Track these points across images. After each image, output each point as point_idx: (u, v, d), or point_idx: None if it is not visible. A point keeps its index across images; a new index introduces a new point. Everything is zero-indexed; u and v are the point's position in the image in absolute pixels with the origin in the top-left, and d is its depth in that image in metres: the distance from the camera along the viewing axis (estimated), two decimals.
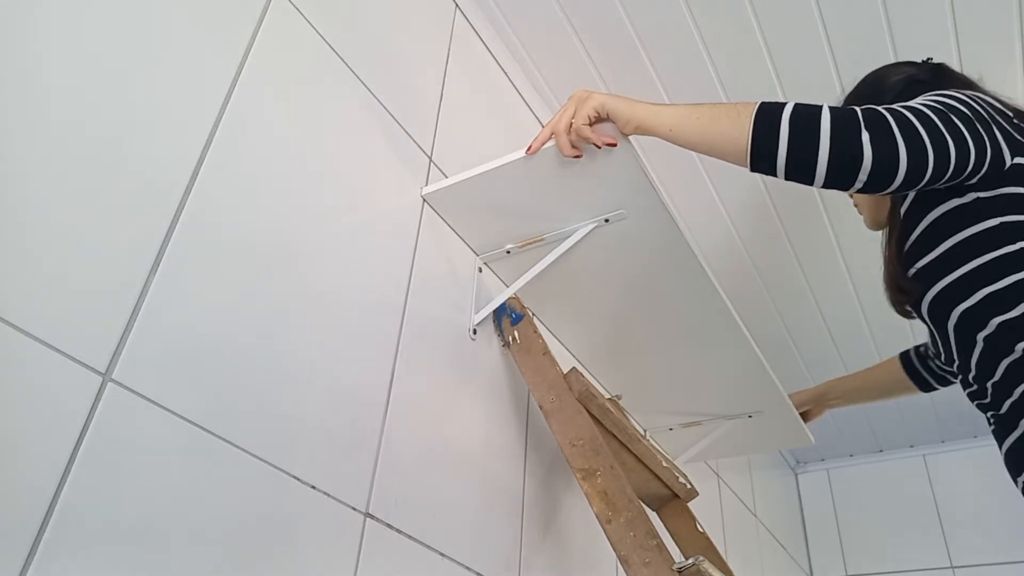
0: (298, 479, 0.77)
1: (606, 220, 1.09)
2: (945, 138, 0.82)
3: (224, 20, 0.84)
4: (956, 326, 0.90)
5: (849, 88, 1.13)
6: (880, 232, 1.10)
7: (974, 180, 0.87)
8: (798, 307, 2.12)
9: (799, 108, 0.83)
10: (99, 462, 0.60)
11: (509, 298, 1.19)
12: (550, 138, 0.97)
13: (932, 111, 0.84)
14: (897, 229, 0.97)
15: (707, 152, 0.90)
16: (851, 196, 1.16)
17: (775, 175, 0.85)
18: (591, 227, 1.10)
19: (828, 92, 1.50)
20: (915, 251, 0.93)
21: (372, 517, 0.85)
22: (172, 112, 0.74)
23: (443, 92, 1.25)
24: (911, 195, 0.94)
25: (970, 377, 0.91)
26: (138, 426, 0.64)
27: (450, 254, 1.15)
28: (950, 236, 0.89)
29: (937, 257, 0.90)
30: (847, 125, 0.81)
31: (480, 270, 1.21)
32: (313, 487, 0.78)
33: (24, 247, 0.59)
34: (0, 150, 0.60)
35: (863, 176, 0.80)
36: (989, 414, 0.91)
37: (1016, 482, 0.86)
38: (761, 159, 0.85)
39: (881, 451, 2.75)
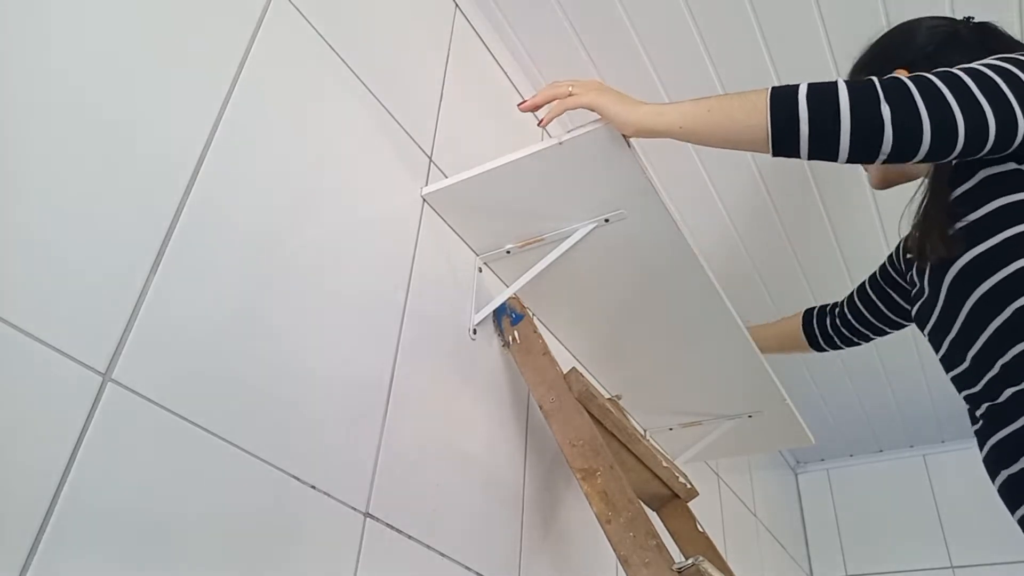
0: (298, 479, 0.77)
1: (606, 220, 1.09)
2: (981, 106, 0.78)
3: (224, 20, 0.84)
4: (976, 302, 0.86)
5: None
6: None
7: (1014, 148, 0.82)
8: (798, 307, 2.11)
9: (814, 87, 0.82)
10: (99, 462, 0.60)
11: (509, 298, 1.19)
12: (545, 102, 0.99)
13: (971, 75, 0.80)
14: (947, 176, 0.92)
15: (722, 145, 0.89)
16: None
17: (799, 156, 0.84)
18: (591, 227, 1.10)
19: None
20: (963, 205, 0.88)
21: (372, 517, 0.85)
22: (172, 112, 0.74)
23: (443, 92, 1.25)
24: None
25: (968, 357, 0.88)
26: (138, 426, 0.64)
27: (450, 254, 1.15)
28: (998, 197, 0.85)
29: (982, 217, 0.85)
30: (866, 97, 0.79)
31: (480, 270, 1.21)
32: (313, 487, 0.78)
33: (24, 247, 0.59)
34: (1, 151, 0.60)
35: (886, 147, 0.79)
36: (984, 406, 0.87)
37: (1012, 513, 0.83)
38: (784, 143, 0.83)
39: (881, 451, 2.75)
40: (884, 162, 0.81)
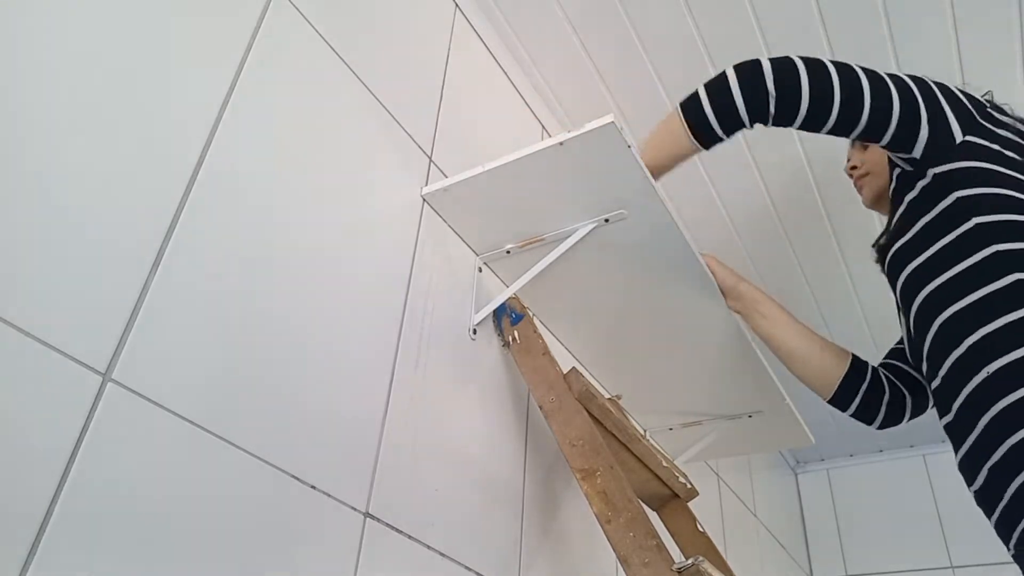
0: (298, 479, 0.77)
1: (606, 220, 1.09)
2: (860, 83, 0.94)
3: (224, 20, 0.84)
4: (917, 312, 0.93)
5: None
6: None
7: (918, 151, 0.95)
8: (798, 307, 2.10)
9: (708, 81, 1.02)
10: (99, 462, 0.60)
11: (509, 298, 1.19)
12: None
13: (862, 69, 0.97)
14: (889, 207, 1.04)
15: (670, 160, 1.08)
16: (851, 173, 1.16)
17: (716, 134, 1.02)
18: (591, 227, 1.10)
19: None
20: (896, 231, 0.99)
21: (372, 517, 0.85)
22: (171, 113, 0.74)
23: (443, 92, 1.25)
24: (895, 179, 1.02)
25: (923, 368, 0.95)
26: (138, 426, 0.64)
27: (450, 254, 1.15)
28: (920, 218, 0.94)
29: (909, 240, 0.95)
30: (751, 66, 0.98)
31: (480, 270, 1.21)
32: (313, 487, 0.78)
33: (24, 247, 0.59)
34: (1, 151, 0.60)
35: (772, 104, 0.96)
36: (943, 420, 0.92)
37: (1008, 546, 0.84)
38: (699, 128, 1.01)
39: (881, 451, 2.75)
40: (776, 125, 0.98)
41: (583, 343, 1.41)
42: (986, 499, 0.83)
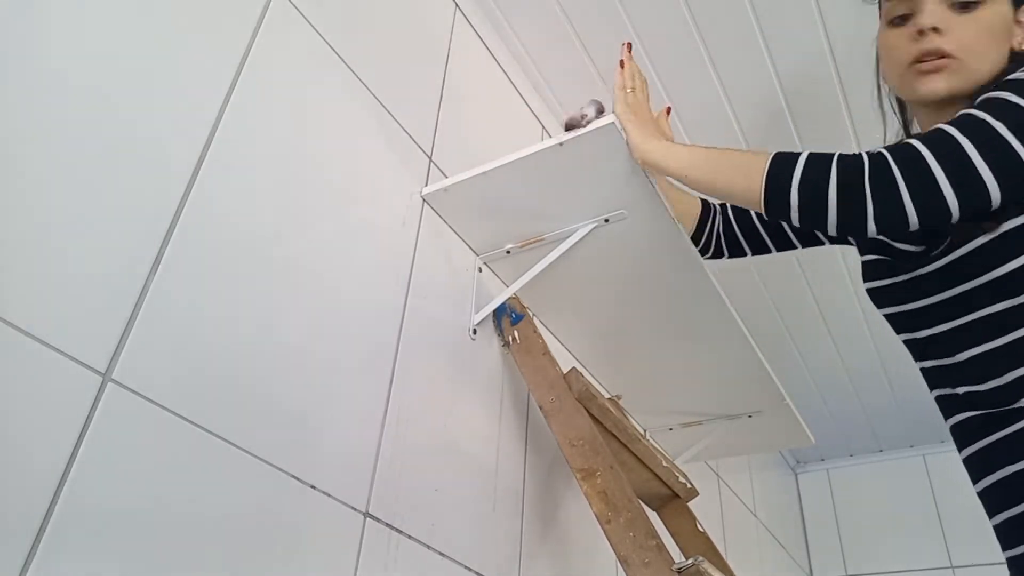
0: (298, 479, 0.77)
1: (606, 220, 1.09)
2: (977, 172, 0.73)
3: (224, 20, 0.84)
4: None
5: None
6: None
7: None
8: (798, 307, 2.12)
9: (811, 159, 0.81)
10: (99, 462, 0.60)
11: (509, 298, 1.19)
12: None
13: (970, 132, 0.75)
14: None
15: (720, 198, 0.97)
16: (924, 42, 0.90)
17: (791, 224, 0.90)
18: (591, 227, 1.10)
19: (828, 92, 1.50)
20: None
21: (372, 517, 0.85)
22: (172, 112, 0.74)
23: (443, 92, 1.25)
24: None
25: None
26: (138, 426, 0.64)
27: (450, 254, 1.15)
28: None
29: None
30: (853, 178, 0.77)
31: (480, 270, 1.21)
32: (313, 487, 0.78)
33: (24, 247, 0.59)
34: (1, 151, 0.60)
35: (872, 227, 0.77)
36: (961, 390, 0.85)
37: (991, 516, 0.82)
38: (775, 212, 0.84)
39: (881, 451, 2.75)
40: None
41: (583, 343, 1.41)
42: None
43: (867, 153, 0.79)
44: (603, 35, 1.48)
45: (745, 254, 1.21)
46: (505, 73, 1.51)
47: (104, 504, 0.60)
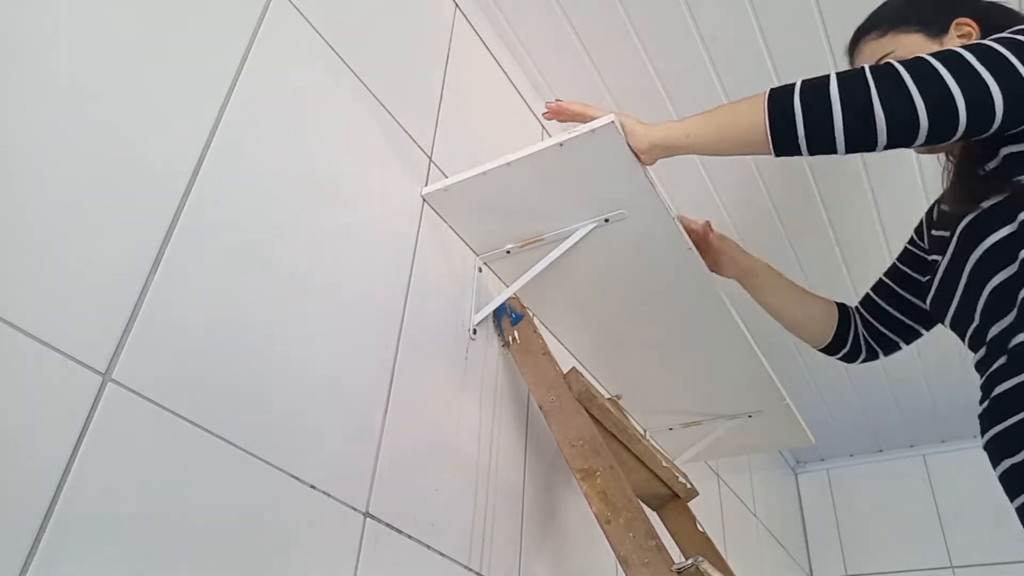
0: (298, 479, 0.77)
1: (606, 220, 1.09)
2: (984, 82, 0.77)
3: (224, 20, 0.84)
4: (995, 288, 0.84)
5: None
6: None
7: None
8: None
9: (807, 83, 0.85)
10: (99, 462, 0.60)
11: (509, 298, 1.19)
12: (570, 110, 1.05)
13: (974, 50, 0.79)
14: (972, 152, 0.91)
15: (730, 151, 0.93)
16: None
17: (800, 154, 0.86)
18: (591, 227, 1.10)
19: None
20: (986, 186, 0.88)
21: (372, 517, 0.85)
22: (172, 113, 0.74)
23: (443, 92, 1.25)
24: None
25: (986, 342, 0.86)
26: (138, 426, 0.64)
27: (450, 254, 1.15)
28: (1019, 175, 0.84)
29: (1005, 199, 0.84)
30: (857, 88, 0.81)
31: (480, 270, 1.21)
32: (313, 487, 0.78)
33: (24, 247, 0.59)
34: (1, 151, 0.60)
35: (882, 137, 0.80)
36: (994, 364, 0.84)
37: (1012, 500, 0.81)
38: (783, 143, 0.86)
39: (881, 451, 2.75)
40: (887, 148, 0.81)
41: (583, 343, 1.41)
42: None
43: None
44: (603, 35, 1.48)
45: (899, 347, 1.20)
46: (505, 73, 1.51)
47: (104, 504, 0.59)
